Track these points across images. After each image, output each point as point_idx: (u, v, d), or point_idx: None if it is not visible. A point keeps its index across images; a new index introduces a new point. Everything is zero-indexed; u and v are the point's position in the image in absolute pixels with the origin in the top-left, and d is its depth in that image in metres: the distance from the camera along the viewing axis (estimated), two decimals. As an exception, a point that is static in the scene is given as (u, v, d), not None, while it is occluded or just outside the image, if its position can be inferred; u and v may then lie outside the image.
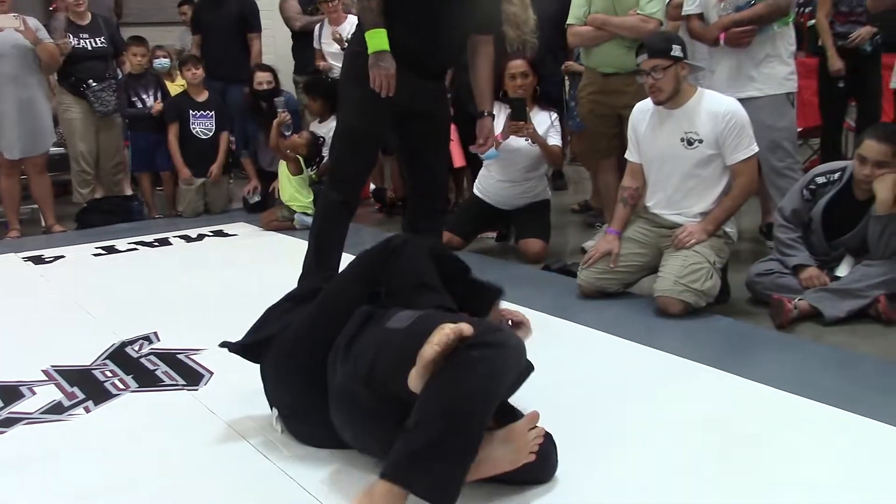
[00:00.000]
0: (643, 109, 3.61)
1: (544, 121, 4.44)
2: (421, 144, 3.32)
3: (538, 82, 4.49)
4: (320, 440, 2.22)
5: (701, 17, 4.11)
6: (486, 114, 3.41)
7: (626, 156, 3.75)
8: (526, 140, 4.32)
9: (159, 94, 6.05)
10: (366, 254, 2.27)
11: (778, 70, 3.98)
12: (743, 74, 3.98)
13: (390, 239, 2.26)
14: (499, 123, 4.37)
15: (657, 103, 3.47)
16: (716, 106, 3.41)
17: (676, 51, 3.40)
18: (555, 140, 4.44)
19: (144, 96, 5.99)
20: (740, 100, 3.74)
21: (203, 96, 5.98)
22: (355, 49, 3.16)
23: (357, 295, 2.17)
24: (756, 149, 3.41)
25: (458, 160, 4.72)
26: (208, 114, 5.96)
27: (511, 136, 4.28)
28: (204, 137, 5.96)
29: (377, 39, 2.97)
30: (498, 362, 1.81)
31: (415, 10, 3.02)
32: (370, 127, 3.19)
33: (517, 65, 4.39)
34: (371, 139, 3.26)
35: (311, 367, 2.12)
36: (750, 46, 3.95)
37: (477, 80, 3.40)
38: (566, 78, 5.67)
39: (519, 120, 4.19)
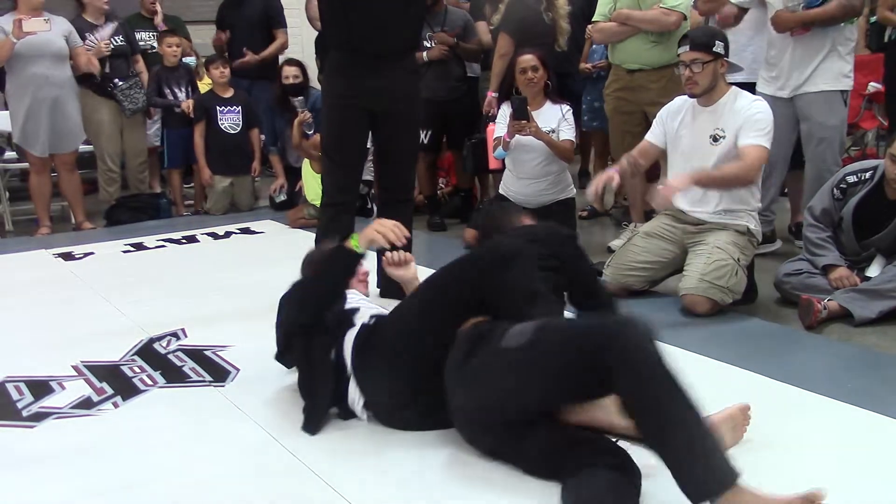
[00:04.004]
0: (678, 107, 3.59)
1: (555, 114, 4.41)
2: (387, 141, 3.52)
3: (549, 76, 4.47)
4: (406, 426, 2.31)
5: (744, 10, 4.06)
6: None
7: (646, 136, 3.72)
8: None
9: (190, 90, 6.10)
10: (474, 259, 2.28)
11: (836, 65, 3.90)
12: (803, 69, 3.91)
13: (500, 245, 2.30)
14: (506, 123, 4.38)
15: (691, 96, 3.46)
16: (743, 102, 3.40)
17: (719, 47, 3.37)
18: (566, 134, 4.40)
19: (177, 90, 6.04)
20: (799, 96, 3.71)
21: (229, 93, 6.01)
22: (327, 72, 3.49)
23: (465, 300, 2.20)
24: (766, 145, 3.35)
25: (494, 162, 4.73)
26: (235, 108, 6.00)
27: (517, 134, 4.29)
28: (232, 133, 5.99)
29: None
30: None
31: (340, 6, 3.28)
32: (343, 137, 3.44)
33: (527, 59, 4.38)
34: (348, 147, 3.48)
35: (423, 364, 2.19)
36: (812, 41, 3.88)
37: None
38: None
39: (521, 118, 4.19)
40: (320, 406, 2.36)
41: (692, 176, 3.33)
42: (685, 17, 4.26)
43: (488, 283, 2.16)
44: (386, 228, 2.40)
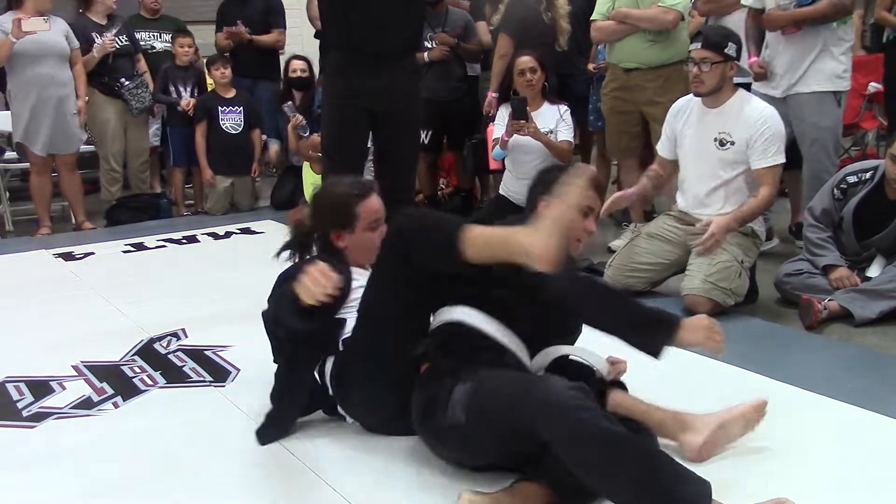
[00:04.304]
0: (683, 106, 3.57)
1: (553, 115, 4.42)
2: (387, 141, 3.52)
3: (546, 77, 4.47)
4: (401, 433, 2.25)
5: (761, 13, 4.06)
6: None
7: (657, 147, 3.72)
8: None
9: (196, 90, 6.10)
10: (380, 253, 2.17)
11: (829, 66, 3.90)
12: (796, 69, 3.92)
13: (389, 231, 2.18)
14: (504, 124, 4.39)
15: (695, 94, 3.44)
16: (753, 111, 3.36)
17: (731, 49, 3.35)
18: (564, 135, 4.40)
19: (182, 88, 6.05)
20: (791, 96, 3.71)
21: (231, 94, 6.02)
22: (327, 72, 3.50)
23: (399, 298, 2.12)
24: (782, 160, 3.35)
25: (494, 163, 4.74)
26: (237, 109, 6.01)
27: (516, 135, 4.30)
28: (233, 133, 6.00)
29: None
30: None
31: (339, 6, 3.30)
32: (344, 137, 3.44)
33: (525, 60, 4.38)
34: (349, 147, 3.49)
35: (399, 382, 2.14)
36: (804, 41, 3.88)
37: None
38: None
39: (520, 118, 4.19)
40: (286, 421, 2.31)
41: (727, 225, 3.31)
42: (683, 17, 4.25)
43: (407, 261, 2.05)
44: (313, 279, 1.90)
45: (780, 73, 3.95)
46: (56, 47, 5.29)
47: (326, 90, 3.53)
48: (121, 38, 5.74)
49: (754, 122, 3.33)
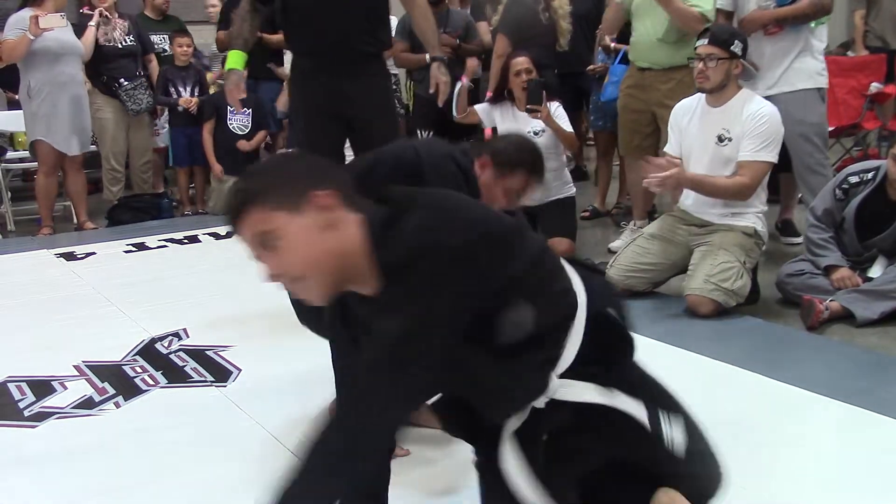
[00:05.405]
0: (688, 105, 3.58)
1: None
2: (364, 148, 3.37)
3: (540, 76, 4.48)
4: None
5: (730, 15, 4.07)
6: (434, 60, 3.48)
7: (665, 148, 3.71)
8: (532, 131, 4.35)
9: (197, 90, 6.11)
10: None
11: (810, 64, 3.95)
12: (776, 68, 3.93)
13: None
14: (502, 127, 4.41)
15: (699, 90, 3.45)
16: (755, 108, 3.36)
17: (737, 47, 3.35)
18: (564, 126, 4.42)
19: (181, 88, 6.05)
20: (773, 95, 3.72)
21: (242, 95, 6.03)
22: (292, 78, 3.47)
23: None
24: (769, 160, 3.35)
25: None
26: (246, 111, 6.02)
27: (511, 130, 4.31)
28: (240, 133, 6.01)
29: (230, 59, 3.36)
30: None
31: (297, 11, 3.24)
32: (314, 145, 3.28)
33: (521, 61, 4.37)
34: (320, 153, 3.36)
35: None
36: (784, 41, 3.91)
37: (418, 28, 3.59)
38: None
39: (535, 103, 4.19)
40: None
41: (689, 178, 3.33)
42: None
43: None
44: None
45: (761, 71, 3.96)
46: (76, 47, 5.31)
47: (292, 97, 3.43)
48: (126, 37, 5.74)
49: (752, 117, 3.34)
